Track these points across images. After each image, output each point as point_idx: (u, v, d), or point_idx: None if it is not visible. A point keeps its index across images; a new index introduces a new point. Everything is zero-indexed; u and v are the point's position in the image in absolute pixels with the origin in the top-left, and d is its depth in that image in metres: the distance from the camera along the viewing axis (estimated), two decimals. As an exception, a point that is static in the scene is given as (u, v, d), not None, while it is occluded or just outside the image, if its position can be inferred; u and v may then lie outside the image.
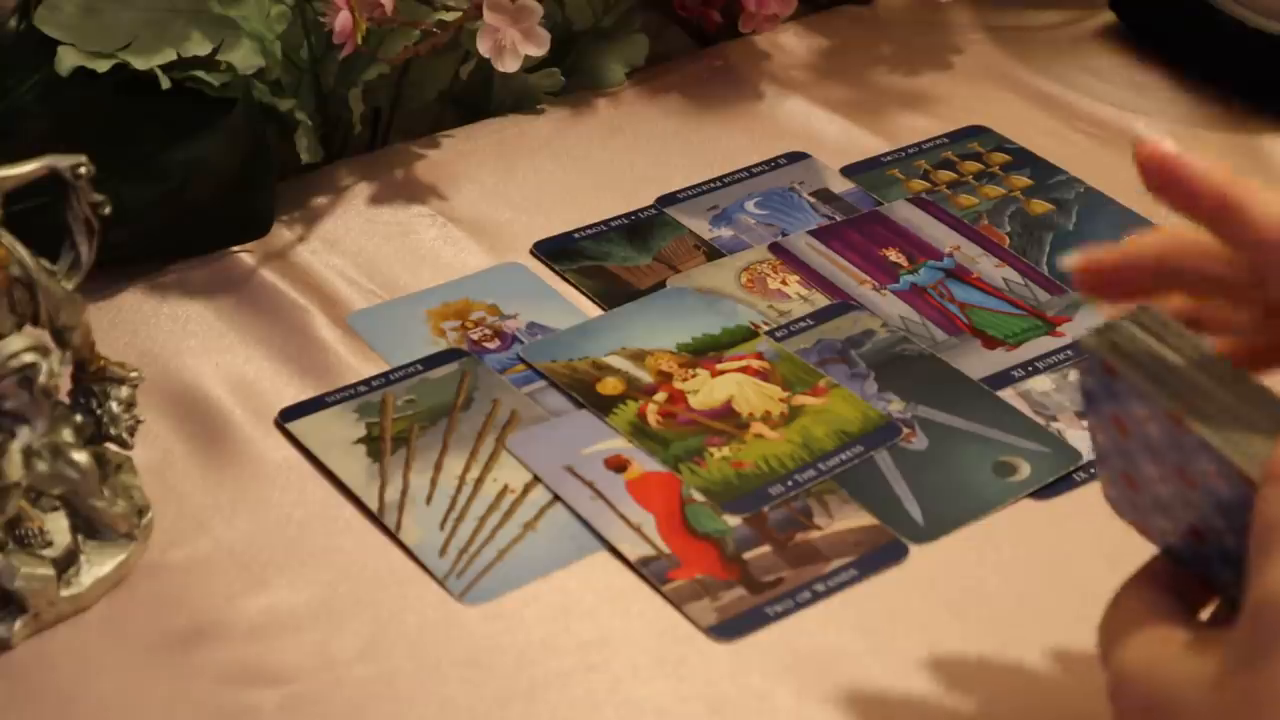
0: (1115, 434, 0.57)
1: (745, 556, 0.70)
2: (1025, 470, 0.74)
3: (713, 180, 0.93)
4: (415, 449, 0.74)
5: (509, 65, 0.87)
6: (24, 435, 0.62)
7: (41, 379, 0.61)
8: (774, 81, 1.01)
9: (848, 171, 0.94)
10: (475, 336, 0.81)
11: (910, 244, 0.88)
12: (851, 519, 0.72)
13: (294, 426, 0.75)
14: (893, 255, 0.87)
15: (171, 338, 0.80)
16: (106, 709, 0.63)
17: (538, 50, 0.87)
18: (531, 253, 0.87)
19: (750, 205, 0.91)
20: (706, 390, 0.78)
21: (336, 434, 0.75)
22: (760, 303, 0.84)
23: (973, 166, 0.95)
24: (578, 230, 0.89)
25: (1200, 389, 0.54)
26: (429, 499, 0.72)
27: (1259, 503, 0.52)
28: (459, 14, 0.87)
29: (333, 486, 0.73)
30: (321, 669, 0.65)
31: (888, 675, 0.66)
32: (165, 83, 0.80)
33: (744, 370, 0.79)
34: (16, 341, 0.61)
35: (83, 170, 0.64)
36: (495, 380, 0.78)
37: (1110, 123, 0.99)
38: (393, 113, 0.95)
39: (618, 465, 0.74)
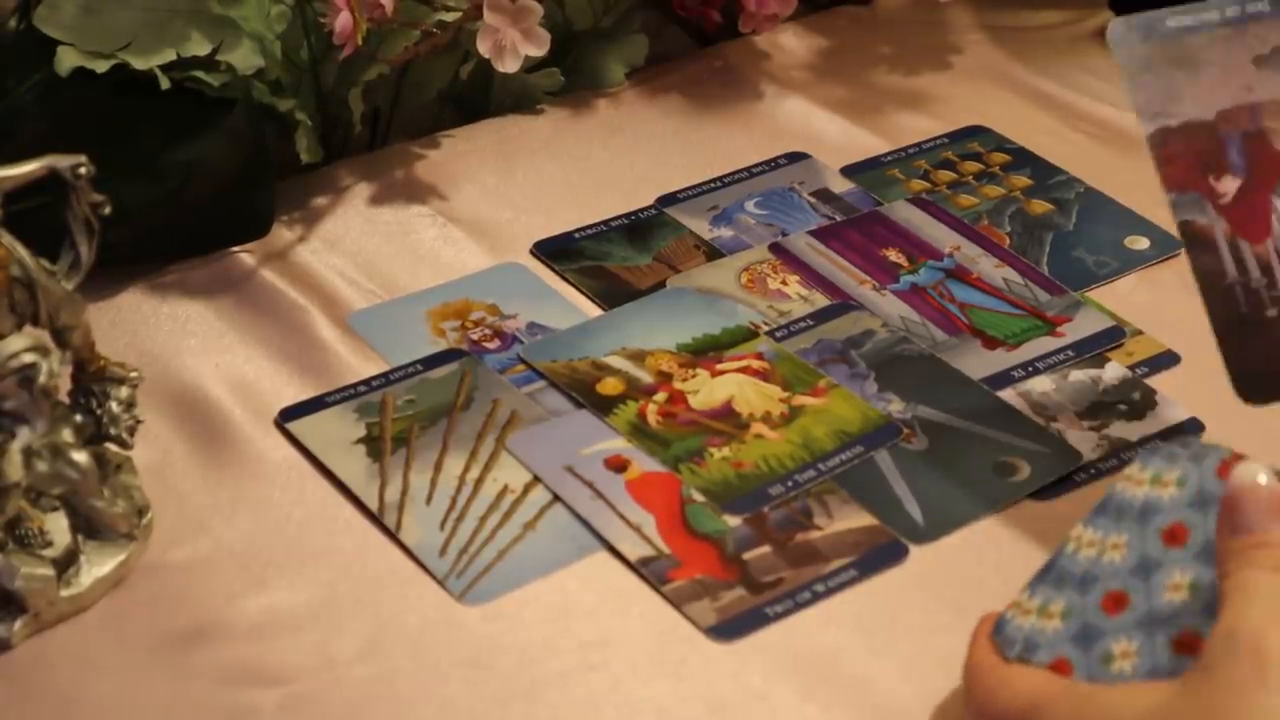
0: (1157, 545, 0.58)
1: (745, 557, 0.70)
2: (1025, 470, 0.74)
3: (713, 180, 0.93)
4: (415, 449, 0.74)
5: (509, 65, 0.87)
6: (24, 435, 0.62)
7: (41, 379, 0.61)
8: (774, 81, 1.01)
9: (848, 171, 0.94)
10: (475, 336, 0.81)
11: (910, 244, 0.88)
12: (851, 519, 0.72)
13: (294, 426, 0.75)
14: (893, 255, 0.87)
15: (171, 338, 0.80)
16: (106, 709, 0.63)
17: (538, 50, 0.87)
18: (531, 253, 0.87)
19: (750, 205, 0.91)
20: (706, 390, 0.78)
21: (336, 434, 0.75)
22: (760, 303, 0.84)
23: (973, 166, 0.95)
24: (578, 230, 0.89)
25: None
26: (429, 499, 0.72)
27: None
28: (459, 14, 0.87)
29: (333, 486, 0.73)
30: (321, 669, 0.65)
31: (888, 675, 0.66)
32: (165, 83, 0.80)
33: (744, 370, 0.79)
34: (16, 341, 0.61)
35: (83, 170, 0.64)
36: (495, 380, 0.78)
37: (1110, 123, 0.99)
38: (393, 113, 0.95)
39: (618, 465, 0.74)
